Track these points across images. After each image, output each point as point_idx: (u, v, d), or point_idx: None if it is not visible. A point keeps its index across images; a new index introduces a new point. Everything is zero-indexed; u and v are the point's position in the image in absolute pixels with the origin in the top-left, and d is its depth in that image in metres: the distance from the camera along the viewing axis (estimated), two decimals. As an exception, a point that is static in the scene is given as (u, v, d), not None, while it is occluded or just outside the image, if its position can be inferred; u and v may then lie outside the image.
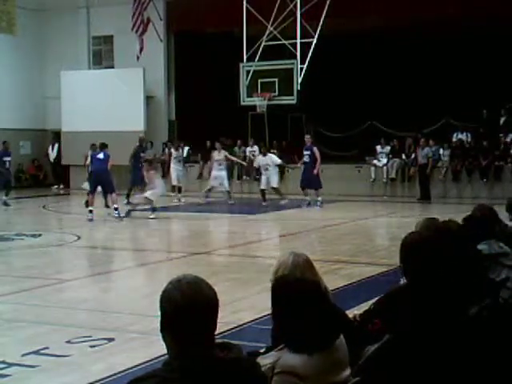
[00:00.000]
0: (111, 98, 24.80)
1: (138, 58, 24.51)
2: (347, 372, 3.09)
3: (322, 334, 2.96)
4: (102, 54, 27.08)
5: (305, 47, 21.41)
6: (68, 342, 6.58)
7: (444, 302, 3.46)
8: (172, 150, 21.23)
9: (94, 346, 6.46)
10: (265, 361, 3.03)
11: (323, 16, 21.01)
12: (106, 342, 6.59)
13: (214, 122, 23.99)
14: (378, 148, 22.44)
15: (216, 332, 2.52)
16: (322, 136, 24.21)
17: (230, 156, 20.69)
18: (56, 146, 26.35)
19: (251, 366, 2.63)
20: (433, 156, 20.92)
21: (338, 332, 3.06)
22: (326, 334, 2.99)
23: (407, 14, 21.77)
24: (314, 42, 21.23)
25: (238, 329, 6.92)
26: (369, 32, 23.12)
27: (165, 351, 2.52)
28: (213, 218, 17.63)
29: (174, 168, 21.14)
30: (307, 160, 18.98)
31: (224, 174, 20.18)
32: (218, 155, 20.12)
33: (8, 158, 20.50)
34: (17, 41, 25.76)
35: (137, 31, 24.45)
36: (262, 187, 19.46)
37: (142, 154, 20.20)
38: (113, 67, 26.55)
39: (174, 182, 21.19)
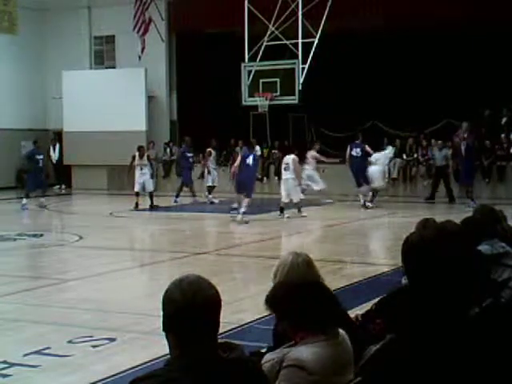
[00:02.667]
0: (113, 98, 24.81)
1: (139, 58, 24.51)
2: (352, 375, 3.10)
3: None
4: (103, 54, 27.08)
5: (306, 47, 21.42)
6: (70, 342, 6.59)
7: (445, 303, 3.45)
8: (211, 151, 21.41)
9: (95, 346, 6.46)
10: (272, 355, 3.04)
11: (325, 16, 21.01)
12: (107, 342, 6.60)
13: (215, 122, 23.98)
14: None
15: (218, 332, 2.52)
16: (323, 136, 24.20)
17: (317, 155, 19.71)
18: (57, 146, 26.34)
19: (253, 366, 2.64)
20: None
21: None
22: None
23: (408, 13, 21.76)
24: (316, 41, 21.23)
25: (239, 329, 6.92)
26: (370, 32, 23.10)
27: (167, 351, 2.52)
28: (214, 218, 17.62)
29: (212, 168, 21.03)
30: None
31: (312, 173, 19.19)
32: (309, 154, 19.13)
33: (41, 157, 20.11)
34: (18, 41, 25.77)
35: (138, 31, 24.46)
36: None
37: (189, 155, 20.86)
38: (114, 67, 26.56)
39: (211, 183, 20.97)
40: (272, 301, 3.10)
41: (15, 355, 6.18)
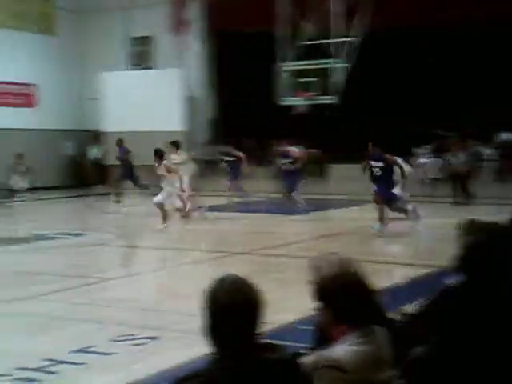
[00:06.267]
0: (151, 99, 24.97)
1: (177, 58, 24.66)
2: (390, 372, 3.09)
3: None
4: (141, 55, 27.30)
5: (345, 46, 21.31)
6: (112, 340, 6.67)
7: (499, 306, 3.41)
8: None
9: (138, 345, 6.53)
10: (309, 358, 3.05)
11: (361, 15, 20.87)
12: (149, 340, 6.67)
13: (252, 122, 23.97)
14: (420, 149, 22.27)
15: (260, 332, 2.53)
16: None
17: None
18: (98, 146, 26.66)
19: (294, 367, 2.64)
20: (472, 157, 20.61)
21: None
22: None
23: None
24: (355, 40, 21.10)
25: (279, 329, 6.91)
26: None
27: (207, 351, 2.54)
28: (253, 218, 17.62)
29: None
30: None
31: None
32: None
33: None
34: (56, 42, 26.16)
35: (176, 31, 24.60)
36: None
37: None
38: (152, 68, 26.76)
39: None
40: (321, 288, 3.08)
41: (60, 353, 6.29)
